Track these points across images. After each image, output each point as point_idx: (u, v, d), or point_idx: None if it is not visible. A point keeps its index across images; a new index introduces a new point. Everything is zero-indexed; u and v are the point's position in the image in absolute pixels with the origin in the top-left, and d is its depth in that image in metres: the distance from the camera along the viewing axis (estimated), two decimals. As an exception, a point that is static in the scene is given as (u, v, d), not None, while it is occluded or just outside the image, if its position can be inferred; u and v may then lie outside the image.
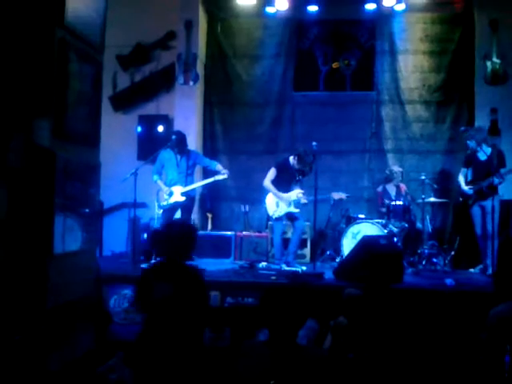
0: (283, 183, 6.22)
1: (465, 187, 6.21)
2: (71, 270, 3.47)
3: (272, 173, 6.23)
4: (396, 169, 7.03)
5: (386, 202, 6.72)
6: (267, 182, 6.22)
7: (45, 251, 3.19)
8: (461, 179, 6.32)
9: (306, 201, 6.11)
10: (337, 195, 6.48)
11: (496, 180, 5.83)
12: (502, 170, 5.84)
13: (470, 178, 6.28)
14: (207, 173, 6.68)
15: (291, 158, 6.25)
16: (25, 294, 3.10)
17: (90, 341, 3.75)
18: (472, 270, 6.19)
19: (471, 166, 6.27)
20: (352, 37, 7.90)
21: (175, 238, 3.34)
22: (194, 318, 3.23)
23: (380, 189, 7.14)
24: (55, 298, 3.26)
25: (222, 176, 6.14)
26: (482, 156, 6.09)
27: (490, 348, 3.14)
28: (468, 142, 6.14)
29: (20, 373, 2.94)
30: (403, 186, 7.00)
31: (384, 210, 6.73)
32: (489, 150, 6.02)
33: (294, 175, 6.24)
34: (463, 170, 6.38)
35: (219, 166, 6.25)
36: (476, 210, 6.12)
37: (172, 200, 6.15)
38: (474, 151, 6.11)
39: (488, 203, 5.87)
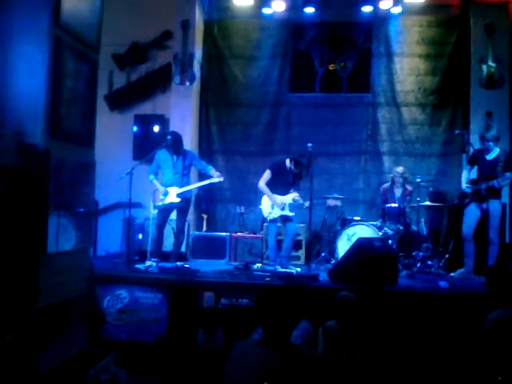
0: (280, 186, 6.20)
1: (464, 185, 6.00)
2: (64, 269, 3.46)
3: (267, 175, 6.21)
4: (395, 169, 6.99)
5: (382, 204, 6.75)
6: (262, 183, 6.20)
7: (38, 250, 3.17)
8: (463, 177, 6.10)
9: (305, 202, 6.02)
10: (332, 202, 6.47)
11: (496, 183, 5.62)
12: (507, 174, 5.60)
13: (474, 177, 5.97)
14: (202, 175, 6.67)
15: (287, 161, 6.23)
16: (17, 294, 3.08)
17: (82, 341, 3.73)
18: (452, 273, 5.98)
19: (476, 165, 5.96)
20: (348, 39, 7.91)
21: None
22: None
23: (387, 185, 7.02)
24: (48, 297, 3.24)
25: (218, 179, 6.11)
26: (490, 156, 5.85)
27: (486, 351, 3.18)
28: (486, 142, 5.85)
29: (11, 372, 2.92)
30: (409, 188, 6.88)
31: (380, 211, 6.75)
32: (497, 151, 5.83)
33: (290, 178, 6.23)
34: (467, 167, 6.17)
35: (213, 171, 6.18)
36: (471, 210, 5.89)
37: (167, 200, 6.13)
38: (483, 150, 5.89)
39: (488, 206, 5.64)
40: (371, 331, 3.87)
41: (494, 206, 5.69)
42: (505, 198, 6.62)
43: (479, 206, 5.84)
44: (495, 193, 5.73)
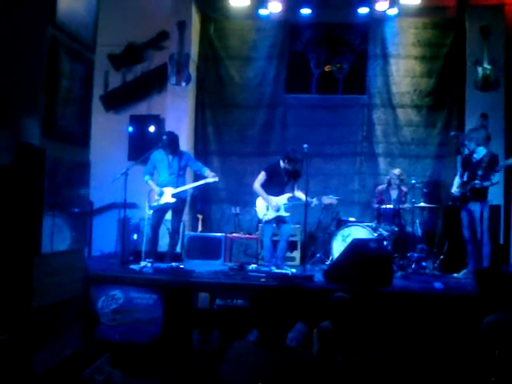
0: (275, 187, 6.21)
1: (453, 189, 6.12)
2: (59, 269, 3.44)
3: (262, 176, 6.22)
4: (392, 171, 7.01)
5: (376, 205, 6.77)
6: (257, 185, 6.21)
7: (32, 250, 3.16)
8: (455, 182, 6.19)
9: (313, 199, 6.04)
10: (327, 200, 6.46)
11: (476, 184, 5.65)
12: (494, 174, 5.64)
13: (465, 180, 6.02)
14: (198, 176, 6.67)
15: (281, 162, 6.25)
16: (11, 294, 3.07)
17: (77, 342, 3.71)
18: (456, 274, 6.04)
19: (467, 168, 6.05)
20: (345, 40, 7.93)
21: None
22: None
23: (383, 187, 7.03)
24: (42, 298, 3.23)
25: (213, 179, 6.12)
26: (476, 156, 5.92)
27: (481, 353, 3.22)
28: (467, 142, 5.94)
29: (6, 373, 2.91)
30: (404, 190, 6.90)
31: (375, 212, 6.75)
32: (483, 152, 5.87)
33: (284, 179, 6.24)
34: (459, 171, 6.26)
35: (208, 172, 6.20)
36: (463, 213, 6.01)
37: (162, 201, 6.12)
38: (472, 152, 5.92)
39: (474, 208, 5.75)
40: (366, 332, 3.87)
41: (480, 208, 5.70)
42: (499, 200, 6.66)
43: (467, 209, 5.94)
44: (479, 194, 5.75)
